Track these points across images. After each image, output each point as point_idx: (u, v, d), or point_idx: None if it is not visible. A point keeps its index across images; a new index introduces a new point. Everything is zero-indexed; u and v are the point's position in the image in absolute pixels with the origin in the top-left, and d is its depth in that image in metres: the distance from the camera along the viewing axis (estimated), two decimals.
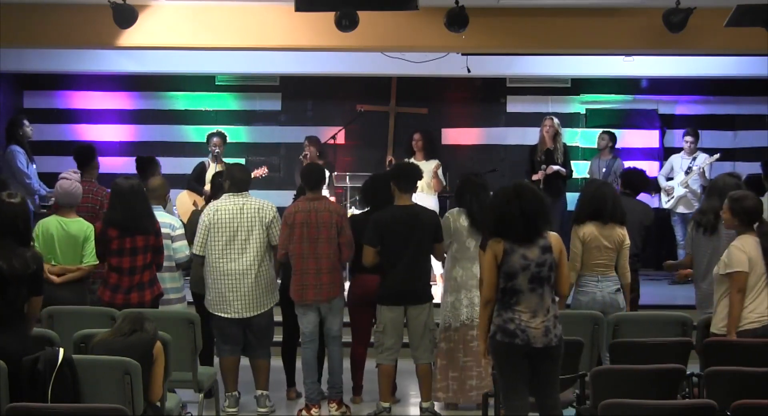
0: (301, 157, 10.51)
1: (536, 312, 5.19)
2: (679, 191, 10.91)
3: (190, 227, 7.32)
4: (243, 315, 6.94)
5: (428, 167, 10.17)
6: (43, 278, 5.38)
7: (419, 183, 10.02)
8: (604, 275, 6.70)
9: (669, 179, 11.14)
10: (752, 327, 5.84)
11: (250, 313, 6.95)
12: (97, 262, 6.93)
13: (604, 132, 11.42)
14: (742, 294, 5.89)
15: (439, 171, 10.41)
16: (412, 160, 10.25)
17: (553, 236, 5.35)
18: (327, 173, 9.91)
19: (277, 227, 7.01)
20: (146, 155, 9.32)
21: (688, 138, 11.07)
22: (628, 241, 6.75)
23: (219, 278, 6.95)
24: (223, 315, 6.96)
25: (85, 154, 8.43)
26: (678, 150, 11.49)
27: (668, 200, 11.03)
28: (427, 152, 10.60)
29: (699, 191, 10.80)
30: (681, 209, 10.95)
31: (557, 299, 5.47)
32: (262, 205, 7.02)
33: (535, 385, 5.25)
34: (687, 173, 10.87)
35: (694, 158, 10.90)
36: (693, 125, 11.83)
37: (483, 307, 5.37)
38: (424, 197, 9.73)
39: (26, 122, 9.91)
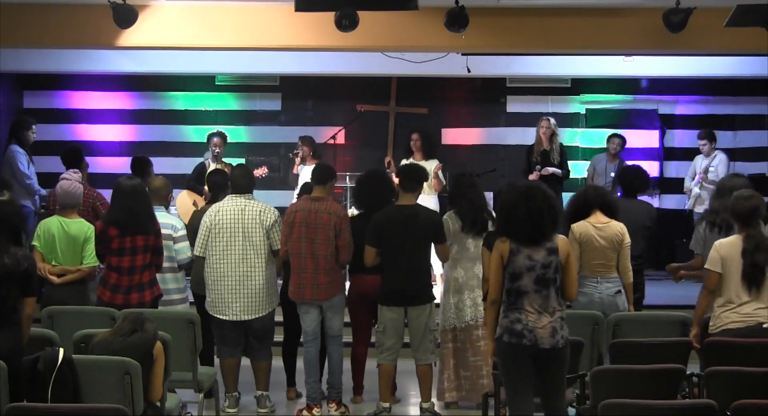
0: (291, 155, 10.51)
1: (542, 313, 5.15)
2: (695, 191, 10.80)
3: (191, 228, 7.31)
4: (241, 318, 6.93)
5: (428, 167, 10.16)
6: (36, 279, 5.28)
7: None
8: (604, 276, 6.62)
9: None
10: (735, 327, 5.80)
11: (249, 316, 6.93)
12: (98, 263, 6.92)
13: (614, 135, 11.18)
14: (708, 292, 5.91)
15: (440, 172, 10.39)
16: (411, 160, 10.25)
17: (561, 239, 5.29)
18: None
19: (278, 232, 6.98)
20: (147, 155, 9.30)
21: (700, 141, 10.90)
22: (628, 240, 6.65)
23: (218, 280, 6.93)
24: (221, 317, 6.96)
25: (73, 155, 8.42)
26: (679, 150, 11.42)
27: (688, 201, 10.93)
28: (426, 152, 10.54)
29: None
30: (698, 209, 10.80)
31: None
32: (264, 208, 6.99)
33: (541, 388, 5.22)
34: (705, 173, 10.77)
35: (713, 159, 10.81)
36: (693, 125, 11.80)
37: (489, 307, 5.34)
38: (425, 197, 9.66)
39: (34, 127, 9.87)
